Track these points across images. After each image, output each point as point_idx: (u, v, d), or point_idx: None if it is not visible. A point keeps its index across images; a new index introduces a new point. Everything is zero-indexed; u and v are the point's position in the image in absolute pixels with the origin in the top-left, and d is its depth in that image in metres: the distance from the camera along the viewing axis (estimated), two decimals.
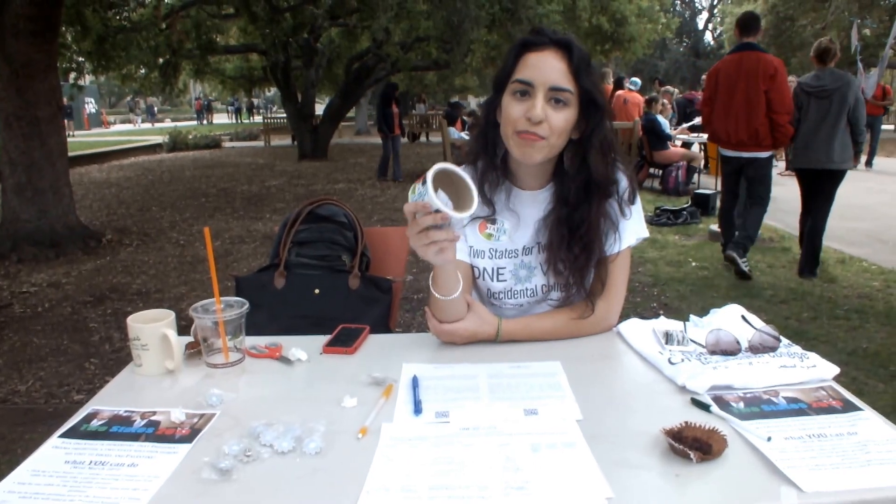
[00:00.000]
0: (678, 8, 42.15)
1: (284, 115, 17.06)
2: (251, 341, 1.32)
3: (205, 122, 36.41)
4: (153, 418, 1.04)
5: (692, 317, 1.34)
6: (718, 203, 6.23)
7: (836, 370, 1.14)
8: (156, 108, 39.04)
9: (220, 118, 39.77)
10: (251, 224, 7.08)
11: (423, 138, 20.76)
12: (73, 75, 9.96)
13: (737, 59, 4.67)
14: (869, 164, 10.76)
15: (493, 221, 1.42)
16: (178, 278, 5.05)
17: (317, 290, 1.81)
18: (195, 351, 1.27)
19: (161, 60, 11.29)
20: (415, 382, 1.14)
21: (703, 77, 11.48)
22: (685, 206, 7.06)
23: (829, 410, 1.02)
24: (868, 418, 1.00)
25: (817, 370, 1.13)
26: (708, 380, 1.09)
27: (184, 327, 1.26)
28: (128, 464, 0.92)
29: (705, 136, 9.50)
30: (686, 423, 0.94)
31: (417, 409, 1.05)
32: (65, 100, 8.84)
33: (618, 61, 21.14)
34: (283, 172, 11.70)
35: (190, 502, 0.84)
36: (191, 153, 16.47)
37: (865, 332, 3.76)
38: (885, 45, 5.58)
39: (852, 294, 4.46)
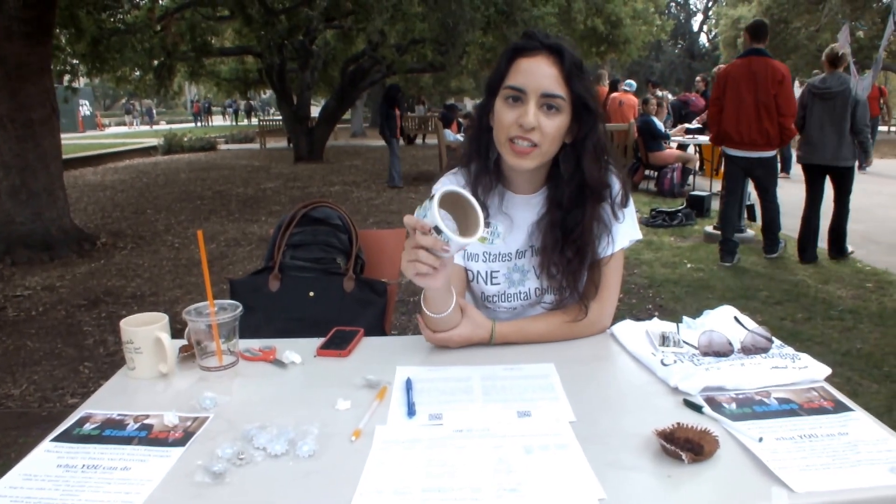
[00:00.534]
0: (673, 10, 42.31)
1: (280, 117, 17.05)
2: (245, 344, 1.32)
3: (204, 123, 36.33)
4: (146, 422, 1.04)
5: (685, 318, 1.35)
6: (717, 205, 6.30)
7: (827, 371, 1.15)
8: (154, 111, 38.91)
9: (216, 119, 39.69)
10: (246, 227, 7.07)
11: (418, 141, 20.77)
12: (67, 77, 9.93)
13: (746, 64, 4.93)
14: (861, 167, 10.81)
15: (487, 225, 1.42)
16: (172, 281, 5.04)
17: (311, 293, 1.81)
18: (189, 354, 1.27)
19: (156, 62, 11.27)
20: (408, 385, 1.14)
21: (698, 78, 11.56)
22: (680, 207, 7.08)
23: (821, 411, 1.03)
24: (858, 419, 1.00)
25: (809, 371, 1.14)
26: (700, 381, 1.09)
27: (179, 330, 1.26)
28: (120, 467, 0.91)
29: (701, 137, 9.59)
30: (678, 424, 0.94)
31: (411, 411, 1.05)
32: None
33: (613, 63, 21.20)
34: (279, 175, 11.69)
35: None
36: (186, 156, 16.45)
37: (859, 333, 3.77)
38: (878, 47, 5.60)
39: (846, 295, 4.48)
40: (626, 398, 1.13)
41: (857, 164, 5.25)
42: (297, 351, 1.29)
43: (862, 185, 6.42)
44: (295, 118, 14.11)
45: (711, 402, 1.05)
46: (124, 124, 36.93)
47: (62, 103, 7.00)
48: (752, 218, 6.66)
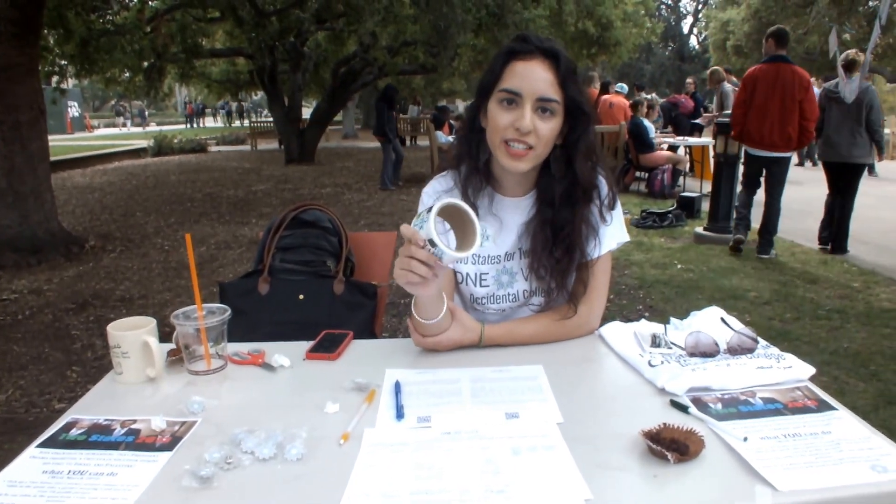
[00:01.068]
0: (663, 12, 42.54)
1: (271, 118, 17.00)
2: (234, 348, 1.32)
3: (198, 125, 36.10)
4: (133, 426, 1.04)
5: (672, 319, 1.36)
6: (707, 206, 6.38)
7: (811, 370, 1.16)
8: (146, 112, 38.61)
9: (210, 121, 39.49)
10: (237, 229, 7.04)
11: (409, 142, 20.74)
12: (55, 79, 9.86)
13: (774, 70, 5.20)
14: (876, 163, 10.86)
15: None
16: (162, 284, 5.02)
17: (301, 296, 1.81)
18: (177, 358, 1.27)
19: (145, 64, 11.21)
20: (397, 388, 1.14)
21: (689, 80, 11.63)
22: (671, 208, 7.11)
23: (805, 410, 1.04)
24: (842, 417, 1.02)
25: (793, 371, 1.15)
26: (687, 381, 1.10)
27: (168, 333, 1.25)
28: (107, 473, 0.91)
29: (691, 139, 9.65)
30: (664, 424, 0.95)
31: (399, 414, 1.05)
32: None
33: (604, 65, 21.28)
34: (270, 177, 11.66)
35: None
36: (176, 157, 16.37)
37: (846, 332, 3.81)
38: (865, 50, 5.69)
39: (834, 295, 4.52)
40: (614, 399, 1.14)
41: (875, 160, 5.80)
42: (286, 354, 1.29)
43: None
44: (286, 120, 14.07)
45: (698, 402, 1.06)
46: (114, 126, 36.68)
47: (50, 105, 6.95)
48: None
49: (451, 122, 11.92)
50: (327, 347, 1.33)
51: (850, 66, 5.51)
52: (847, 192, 5.64)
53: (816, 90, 6.12)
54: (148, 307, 4.44)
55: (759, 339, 1.26)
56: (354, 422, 1.03)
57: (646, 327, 1.34)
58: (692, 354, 1.22)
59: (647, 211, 7.10)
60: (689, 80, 11.61)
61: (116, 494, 0.86)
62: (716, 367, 1.16)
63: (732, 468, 0.89)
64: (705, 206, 6.82)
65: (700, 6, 43.43)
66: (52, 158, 6.51)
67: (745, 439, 0.94)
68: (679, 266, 5.30)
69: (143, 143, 17.87)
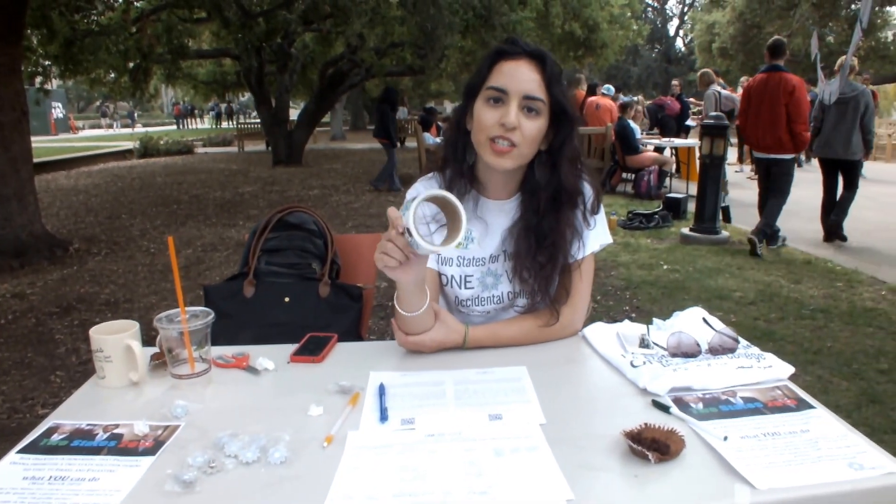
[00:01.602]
0: (649, 15, 42.79)
1: (258, 120, 16.92)
2: (218, 351, 1.31)
3: (185, 126, 35.82)
4: (116, 431, 1.03)
5: (655, 320, 1.37)
6: (693, 207, 6.47)
7: (791, 370, 1.17)
8: (136, 114, 38.22)
9: (200, 123, 39.22)
10: (224, 231, 7.01)
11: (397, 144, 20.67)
12: (38, 79, 9.77)
13: (765, 79, 5.60)
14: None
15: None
16: (147, 287, 4.98)
17: (287, 299, 1.81)
18: (160, 362, 1.26)
19: (131, 65, 11.13)
20: (381, 390, 1.14)
21: (674, 82, 11.72)
22: (657, 209, 7.15)
23: (784, 409, 1.05)
24: (820, 416, 1.03)
25: (773, 370, 1.16)
26: (668, 381, 1.11)
27: (153, 337, 1.25)
28: (89, 478, 0.91)
29: (677, 140, 9.75)
30: (645, 424, 0.96)
31: (383, 416, 1.06)
32: None
33: (591, 67, 21.37)
34: (257, 178, 11.61)
35: None
36: (162, 159, 16.25)
37: (830, 332, 3.85)
38: (846, 53, 5.80)
39: (818, 294, 4.56)
40: (597, 400, 1.15)
41: (863, 156, 6.05)
42: (270, 357, 1.29)
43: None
44: (273, 121, 14.01)
45: (679, 402, 1.07)
46: (99, 127, 36.35)
47: (34, 105, 6.88)
48: (726, 219, 6.76)
49: (439, 123, 11.92)
50: (312, 350, 1.33)
51: (850, 71, 5.92)
52: (849, 186, 6.10)
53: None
54: (133, 311, 4.41)
55: (740, 338, 1.28)
56: (338, 424, 1.03)
57: (629, 328, 1.35)
58: (674, 355, 1.23)
59: (634, 212, 7.14)
60: (674, 82, 11.70)
61: (98, 500, 0.85)
62: (697, 367, 1.18)
63: (712, 467, 0.90)
64: (691, 206, 6.87)
65: (686, 9, 43.79)
66: (36, 160, 6.44)
67: (726, 439, 0.95)
68: (665, 267, 5.33)
69: (128, 145, 17.73)
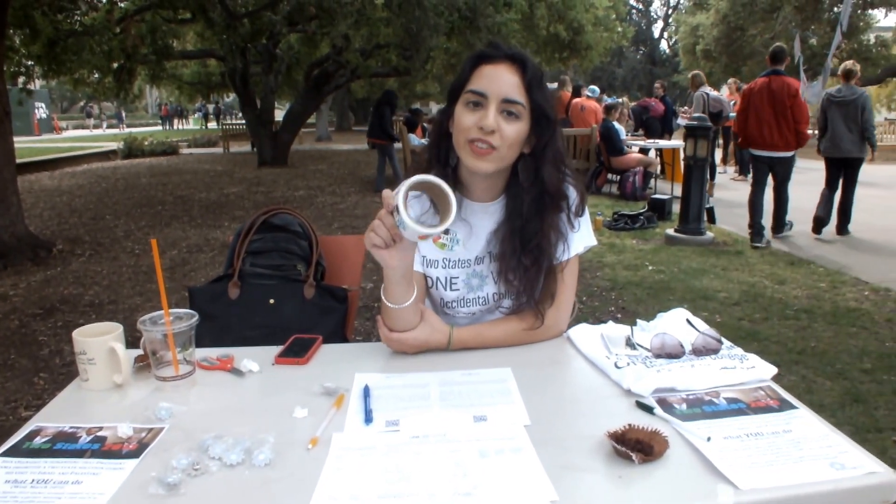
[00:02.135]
0: (634, 17, 43.05)
1: (244, 121, 16.82)
2: (203, 353, 1.31)
3: (172, 126, 35.49)
4: (99, 434, 1.03)
5: (639, 321, 1.38)
6: (678, 208, 6.53)
7: (773, 370, 1.18)
8: (124, 114, 37.77)
9: (189, 123, 38.90)
10: (209, 232, 6.96)
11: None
12: (21, 79, 9.65)
13: (768, 82, 5.96)
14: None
15: (447, 231, 1.44)
16: (132, 289, 4.94)
17: (272, 300, 1.80)
18: (144, 364, 1.25)
19: (115, 65, 11.02)
20: (366, 392, 1.14)
21: (656, 84, 11.79)
22: (642, 210, 7.19)
23: (767, 410, 1.06)
24: (802, 416, 1.04)
25: (756, 371, 1.18)
26: (652, 382, 1.12)
27: (139, 339, 1.24)
28: (72, 481, 0.90)
29: (661, 142, 9.82)
30: (629, 425, 0.97)
31: (368, 418, 1.06)
32: None
33: (576, 69, 21.48)
34: (243, 179, 11.54)
35: None
36: (147, 160, 16.10)
37: (814, 332, 3.89)
38: (826, 55, 5.90)
39: (801, 295, 4.61)
40: (581, 401, 1.15)
41: (868, 154, 6.55)
42: (255, 359, 1.28)
43: (818, 187, 6.66)
44: (259, 122, 13.93)
45: (663, 403, 1.08)
46: (84, 127, 35.95)
47: (16, 106, 6.80)
48: (711, 220, 6.81)
49: (425, 124, 11.91)
50: (297, 352, 1.32)
51: (847, 75, 6.38)
52: (850, 183, 6.53)
53: None
54: (118, 312, 4.37)
55: (724, 339, 1.29)
56: (323, 426, 1.03)
57: (613, 329, 1.36)
58: (658, 356, 1.24)
59: (619, 213, 7.18)
60: (656, 84, 11.77)
61: (82, 503, 0.85)
62: (681, 368, 1.19)
63: (696, 468, 0.91)
64: (676, 208, 6.91)
65: (670, 11, 44.11)
66: (19, 161, 6.37)
67: (709, 439, 0.96)
68: (650, 267, 5.36)
69: (112, 146, 17.56)
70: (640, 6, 45.39)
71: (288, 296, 1.79)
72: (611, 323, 1.40)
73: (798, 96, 5.83)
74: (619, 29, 19.24)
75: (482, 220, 1.44)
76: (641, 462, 0.90)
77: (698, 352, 1.25)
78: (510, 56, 1.31)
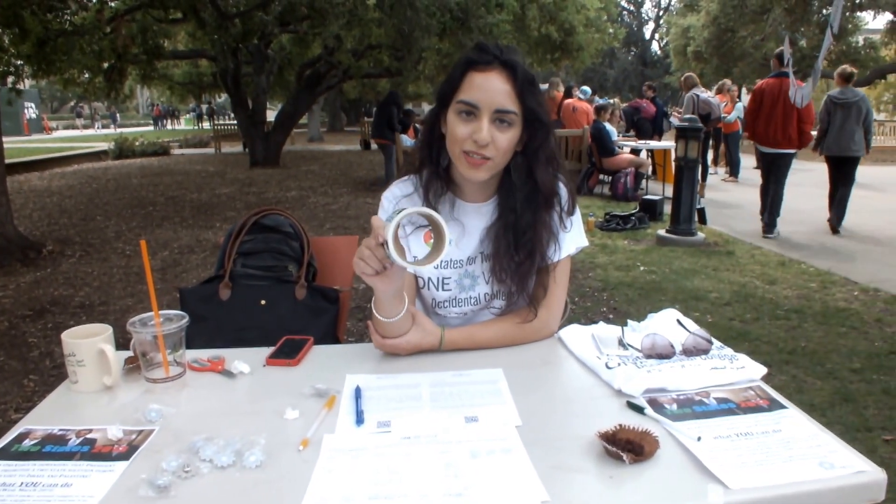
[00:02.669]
0: (625, 18, 43.19)
1: (235, 121, 16.76)
2: (193, 354, 1.30)
3: (164, 126, 35.32)
4: (89, 436, 1.02)
5: (630, 321, 1.38)
6: (669, 208, 6.59)
7: (763, 370, 1.19)
8: (118, 115, 37.53)
9: (178, 124, 38.73)
10: (201, 233, 6.94)
11: (374, 145, 20.64)
12: (11, 79, 9.58)
13: (777, 83, 6.36)
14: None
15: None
16: (123, 290, 4.91)
17: (263, 301, 1.80)
18: (134, 366, 1.25)
19: (105, 65, 10.96)
20: (357, 393, 1.14)
21: (644, 86, 11.85)
22: (634, 211, 7.21)
23: (757, 409, 1.07)
24: (792, 416, 1.05)
25: (746, 371, 1.18)
26: (643, 383, 1.12)
27: (128, 341, 1.23)
28: (61, 484, 0.89)
29: (653, 143, 9.87)
30: (620, 425, 0.97)
31: (359, 419, 1.06)
32: None
33: (567, 70, 21.52)
34: (234, 180, 11.50)
35: None
36: (138, 160, 16.02)
37: (804, 332, 3.91)
38: (817, 57, 5.95)
39: (792, 295, 4.64)
40: (572, 401, 1.15)
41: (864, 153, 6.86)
42: (246, 360, 1.28)
43: (806, 188, 6.71)
44: (250, 122, 13.88)
45: (654, 403, 1.09)
46: (74, 127, 35.72)
47: (6, 106, 6.77)
48: (702, 221, 6.84)
49: (417, 125, 11.92)
50: (288, 353, 1.32)
51: (848, 78, 6.80)
52: (847, 180, 6.85)
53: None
54: (109, 314, 4.34)
55: (714, 340, 1.30)
56: (314, 428, 1.03)
57: (604, 330, 1.36)
58: (648, 356, 1.24)
59: (611, 214, 7.19)
60: (645, 86, 11.81)
61: None
62: (671, 368, 1.19)
63: (686, 467, 0.92)
64: (667, 208, 6.94)
65: (661, 12, 44.31)
66: (8, 161, 6.33)
67: (699, 439, 0.96)
68: (642, 268, 5.38)
69: (103, 146, 17.45)
70: (632, 7, 45.56)
71: (279, 297, 1.79)
72: (602, 323, 1.40)
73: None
74: (611, 30, 19.29)
75: (475, 220, 1.44)
76: (632, 462, 0.90)
77: (689, 352, 1.25)
78: (501, 62, 1.29)
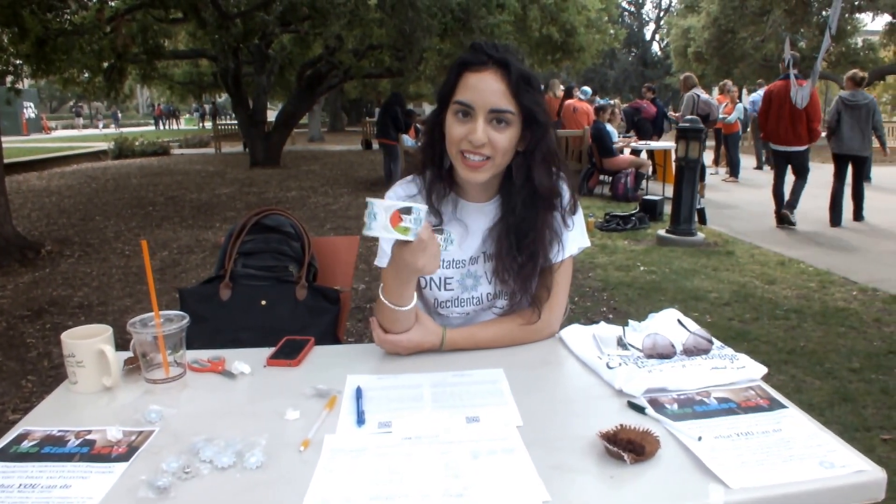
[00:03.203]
0: (626, 19, 43.19)
1: (236, 121, 16.75)
2: (194, 355, 1.30)
3: (169, 127, 35.29)
4: (88, 437, 1.02)
5: (630, 321, 1.38)
6: (669, 209, 6.60)
7: (763, 370, 1.19)
8: (119, 114, 37.47)
9: (179, 123, 38.71)
10: (200, 233, 6.93)
11: (376, 145, 20.64)
12: (10, 79, 9.57)
13: (784, 85, 6.76)
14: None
15: (441, 232, 1.43)
16: (122, 290, 4.91)
17: (263, 302, 1.80)
18: (134, 367, 1.25)
19: (105, 65, 10.95)
20: (358, 393, 1.14)
21: (644, 88, 11.85)
22: (634, 211, 7.22)
23: (757, 409, 1.07)
24: (792, 415, 1.05)
25: (746, 371, 1.18)
26: (643, 383, 1.12)
27: (127, 341, 1.23)
28: (60, 485, 0.89)
29: (653, 143, 9.88)
30: (621, 425, 0.97)
31: (360, 419, 1.05)
32: None
33: (568, 70, 21.53)
34: (235, 180, 11.50)
35: None
36: (137, 160, 16.02)
37: (803, 332, 3.91)
38: (816, 58, 5.98)
39: (791, 295, 4.64)
40: (573, 401, 1.15)
41: (872, 151, 7.41)
42: (246, 361, 1.28)
43: (807, 188, 6.73)
44: (251, 122, 13.88)
45: (654, 403, 1.09)
46: (73, 127, 35.70)
47: (4, 105, 6.77)
48: (702, 221, 6.85)
49: (418, 125, 11.91)
50: (288, 354, 1.32)
51: (859, 82, 7.09)
52: (859, 176, 7.36)
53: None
54: (108, 314, 4.34)
55: (714, 339, 1.29)
56: (315, 428, 1.03)
57: (604, 330, 1.36)
58: (649, 356, 1.24)
59: (611, 214, 7.20)
60: (644, 87, 11.81)
61: None
62: (672, 368, 1.19)
63: (687, 467, 0.91)
64: (667, 208, 6.94)
65: (662, 13, 44.31)
66: (7, 161, 6.32)
67: (700, 439, 0.96)
68: (642, 268, 5.38)
69: (102, 146, 17.44)
70: (632, 8, 45.55)
71: (280, 297, 1.79)
72: (602, 323, 1.40)
73: (812, 97, 6.51)
74: (612, 31, 19.28)
75: (477, 220, 1.44)
76: (633, 462, 0.90)
77: (689, 352, 1.25)
78: (495, 61, 1.28)
